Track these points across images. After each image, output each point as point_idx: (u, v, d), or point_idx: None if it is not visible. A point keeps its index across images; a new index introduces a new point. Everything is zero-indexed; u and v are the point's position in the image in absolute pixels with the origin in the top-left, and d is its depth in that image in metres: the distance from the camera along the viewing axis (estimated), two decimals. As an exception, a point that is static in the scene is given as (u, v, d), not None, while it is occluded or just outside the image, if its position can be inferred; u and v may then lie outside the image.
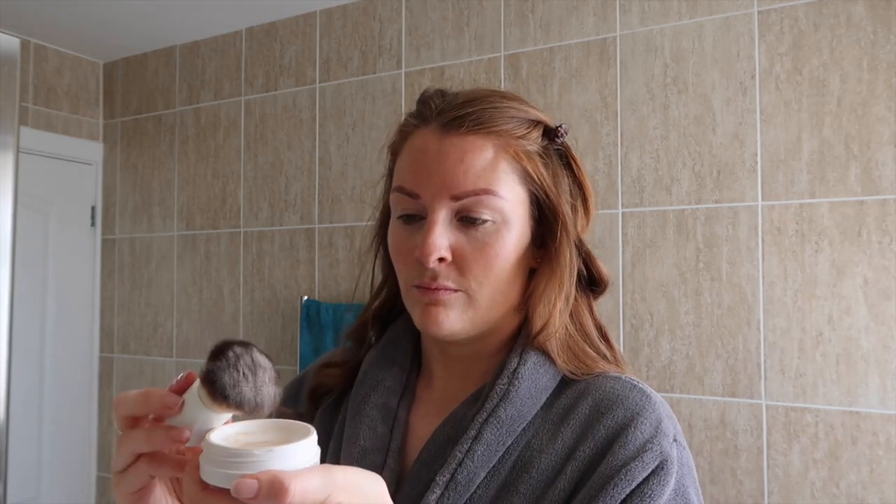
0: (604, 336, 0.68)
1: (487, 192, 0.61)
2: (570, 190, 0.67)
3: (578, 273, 0.67)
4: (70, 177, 2.55)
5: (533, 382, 0.62)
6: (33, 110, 2.42)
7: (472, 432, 0.60)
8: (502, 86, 1.90)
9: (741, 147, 1.61)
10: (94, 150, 2.62)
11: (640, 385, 0.63)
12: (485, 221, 0.62)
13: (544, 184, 0.64)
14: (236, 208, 2.33)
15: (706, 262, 1.63)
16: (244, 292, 2.30)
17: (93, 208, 2.62)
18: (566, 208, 0.65)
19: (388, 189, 0.69)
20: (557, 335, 0.64)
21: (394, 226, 0.66)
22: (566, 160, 0.67)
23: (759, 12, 1.61)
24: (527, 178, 0.64)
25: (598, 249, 1.74)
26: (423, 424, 0.67)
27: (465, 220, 0.62)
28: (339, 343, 0.81)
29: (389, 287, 0.73)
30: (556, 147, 0.67)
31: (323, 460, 0.60)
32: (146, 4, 2.15)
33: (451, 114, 0.63)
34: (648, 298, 1.68)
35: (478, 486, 0.59)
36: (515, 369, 0.62)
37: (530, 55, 1.87)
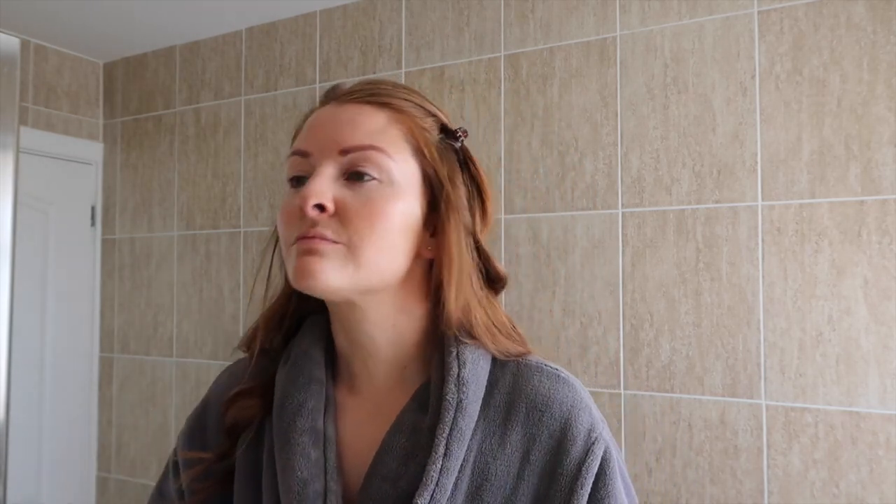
0: (514, 327, 0.70)
1: (375, 147, 0.62)
2: (468, 189, 0.68)
3: (479, 270, 0.67)
4: (70, 177, 2.55)
5: (476, 383, 0.63)
6: (33, 110, 2.42)
7: (441, 449, 0.60)
8: (502, 86, 1.90)
9: (741, 147, 1.61)
10: (94, 150, 2.62)
11: (560, 373, 0.66)
12: (371, 178, 0.62)
13: (437, 166, 0.65)
14: (236, 208, 2.33)
15: (706, 262, 1.63)
16: (244, 292, 2.30)
17: (93, 208, 2.62)
18: (459, 198, 0.65)
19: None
20: (481, 321, 0.65)
21: (285, 194, 0.66)
22: (464, 161, 0.69)
23: (759, 12, 1.61)
24: (420, 154, 0.65)
25: (597, 249, 1.74)
26: (357, 434, 0.66)
27: (353, 177, 0.62)
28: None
29: (286, 289, 0.71)
30: (453, 145, 0.68)
31: (257, 496, 0.63)
32: (146, 4, 2.15)
33: (351, 91, 0.66)
34: (648, 298, 1.68)
35: (448, 500, 0.60)
36: (459, 373, 0.62)
37: (530, 55, 1.87)
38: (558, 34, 1.83)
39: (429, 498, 0.58)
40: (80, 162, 2.58)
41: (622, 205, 1.73)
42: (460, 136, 0.68)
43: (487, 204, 0.69)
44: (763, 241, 1.58)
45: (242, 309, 2.30)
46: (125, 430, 2.54)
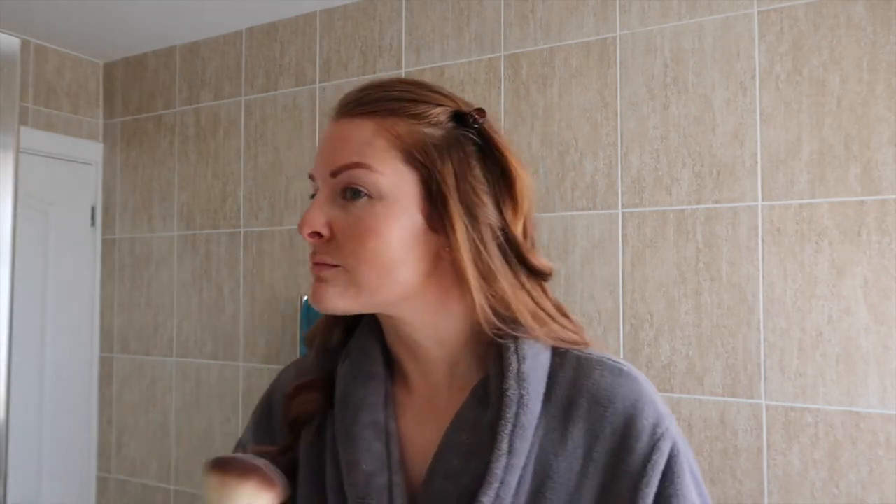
0: (564, 314, 0.68)
1: (358, 164, 0.61)
2: (488, 177, 0.65)
3: (522, 262, 0.65)
4: (70, 177, 2.55)
5: (536, 378, 0.62)
6: (33, 110, 2.42)
7: (504, 446, 0.59)
8: (502, 86, 1.90)
9: (741, 147, 1.61)
10: (94, 150, 2.62)
11: (623, 366, 0.64)
12: (360, 196, 0.62)
13: (431, 167, 0.62)
14: (236, 208, 2.33)
15: (706, 262, 1.63)
16: (244, 292, 2.30)
17: (93, 208, 2.62)
18: (464, 194, 0.62)
19: None
20: (526, 311, 0.63)
21: None
22: (488, 146, 0.66)
23: (759, 12, 1.61)
24: (412, 159, 0.63)
25: (597, 249, 1.74)
26: (415, 430, 0.66)
27: (346, 197, 0.62)
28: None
29: None
30: (468, 132, 0.65)
31: (321, 489, 0.64)
32: (146, 4, 2.15)
33: (347, 102, 0.65)
34: (648, 298, 1.68)
35: (512, 497, 0.59)
36: (519, 369, 0.62)
37: (530, 55, 1.87)
38: (558, 34, 1.83)
39: (494, 496, 0.58)
40: (80, 162, 2.58)
41: (622, 205, 1.73)
42: (473, 119, 0.65)
43: (515, 190, 0.65)
44: (763, 241, 1.58)
45: (242, 309, 2.30)
46: (125, 430, 2.54)
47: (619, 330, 1.70)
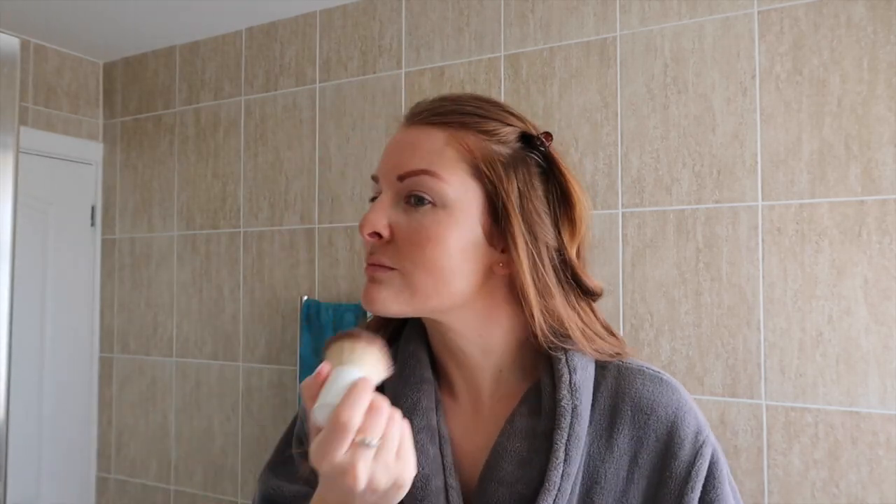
0: (610, 331, 0.71)
1: (427, 172, 0.63)
2: (549, 199, 0.67)
3: (577, 281, 0.67)
4: (70, 177, 2.55)
5: (586, 388, 0.64)
6: (33, 110, 2.42)
7: (561, 454, 0.61)
8: (502, 86, 1.90)
9: (741, 147, 1.61)
10: (94, 150, 2.62)
11: (662, 375, 0.67)
12: (424, 203, 0.63)
13: (497, 183, 0.64)
14: (236, 208, 2.33)
15: (706, 262, 1.63)
16: (244, 292, 2.30)
17: (93, 208, 2.62)
18: (529, 212, 0.64)
19: None
20: (577, 329, 0.65)
21: None
22: (551, 169, 0.68)
23: (759, 12, 1.61)
24: (479, 173, 0.64)
25: (597, 249, 1.74)
26: (463, 437, 0.67)
27: (410, 202, 0.63)
28: None
29: None
30: (534, 154, 0.68)
31: None
32: (146, 4, 2.15)
33: (421, 110, 0.67)
34: (648, 298, 1.68)
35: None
36: (571, 379, 0.63)
37: (530, 55, 1.87)
38: (558, 34, 1.83)
39: (551, 502, 0.60)
40: (80, 162, 2.58)
41: (622, 205, 1.73)
42: (539, 143, 0.68)
43: (575, 214, 0.67)
44: (763, 241, 1.58)
45: (242, 309, 2.30)
46: (125, 431, 2.54)
47: (619, 330, 1.70)
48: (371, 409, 0.51)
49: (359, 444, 0.50)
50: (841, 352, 1.50)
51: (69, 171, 2.54)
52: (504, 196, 0.64)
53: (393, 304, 0.63)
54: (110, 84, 2.65)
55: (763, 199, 1.59)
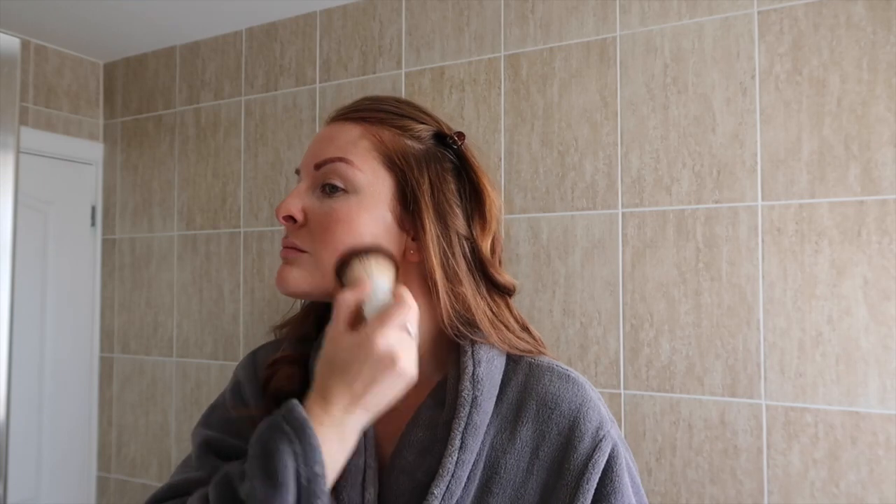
0: (525, 328, 0.73)
1: (341, 159, 0.66)
2: (461, 193, 0.70)
3: (486, 274, 0.70)
4: (70, 177, 2.55)
5: (490, 381, 0.66)
6: (33, 110, 2.42)
7: (457, 442, 0.63)
8: (502, 86, 1.90)
9: (741, 147, 1.61)
10: (94, 150, 2.62)
11: (570, 373, 0.70)
12: (336, 189, 0.66)
13: (408, 172, 0.67)
14: (236, 208, 2.33)
15: (706, 262, 1.63)
16: (244, 292, 2.30)
17: (93, 208, 2.62)
18: (440, 203, 0.67)
19: None
20: (485, 317, 0.68)
21: None
22: (464, 166, 0.71)
23: (758, 12, 1.61)
24: (391, 164, 0.68)
25: (597, 249, 1.74)
26: (380, 422, 0.68)
27: (325, 190, 0.67)
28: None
29: None
30: (447, 152, 0.71)
31: None
32: (146, 5, 2.16)
33: (340, 109, 0.72)
34: (648, 298, 1.68)
35: (462, 491, 0.63)
36: (474, 371, 0.66)
37: (530, 55, 1.87)
38: (558, 34, 1.83)
39: (444, 488, 0.62)
40: (80, 162, 2.58)
41: (622, 205, 1.73)
42: (452, 141, 0.71)
43: (485, 209, 0.70)
44: (763, 241, 1.58)
45: (243, 309, 2.30)
46: (125, 430, 2.54)
47: (619, 330, 1.70)
48: (413, 309, 0.58)
49: (406, 331, 0.57)
50: (841, 352, 1.50)
51: (69, 171, 2.55)
52: (415, 184, 0.67)
53: (303, 284, 0.67)
54: (111, 84, 2.65)
55: (763, 199, 1.59)
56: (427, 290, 0.67)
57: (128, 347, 2.55)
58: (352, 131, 0.68)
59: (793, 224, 1.55)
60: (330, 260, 0.65)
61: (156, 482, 2.45)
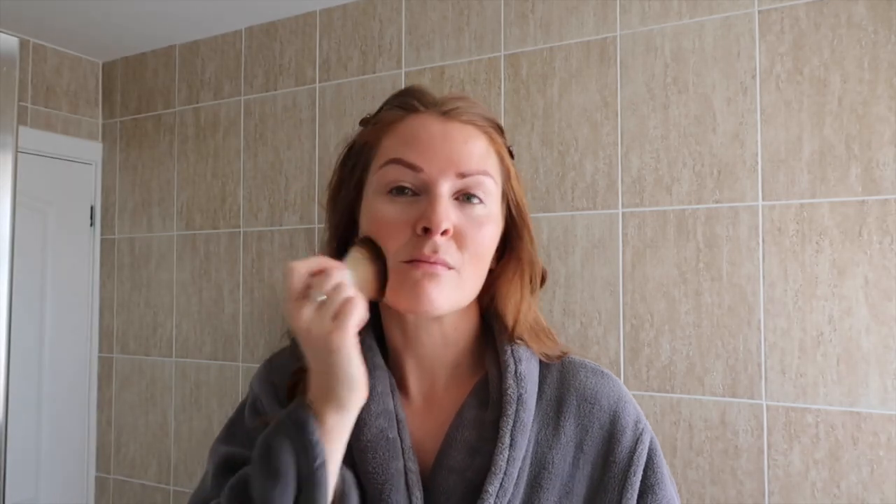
0: (551, 337, 0.74)
1: (488, 174, 0.65)
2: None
3: (540, 282, 0.72)
4: (69, 177, 2.55)
5: (531, 379, 0.67)
6: (32, 110, 2.41)
7: (507, 440, 0.63)
8: (502, 86, 1.90)
9: (741, 147, 1.61)
10: (93, 150, 2.62)
11: (602, 369, 0.72)
12: (480, 202, 0.64)
13: (513, 184, 0.69)
14: (236, 208, 2.33)
15: (706, 262, 1.63)
16: (244, 292, 2.29)
17: (92, 208, 2.62)
18: (526, 217, 0.70)
19: (357, 169, 0.70)
20: (529, 323, 0.69)
21: (380, 200, 0.64)
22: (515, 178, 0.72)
23: (759, 12, 1.60)
24: (505, 177, 0.68)
25: (598, 249, 1.74)
26: (416, 424, 0.69)
27: (462, 199, 0.64)
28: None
29: None
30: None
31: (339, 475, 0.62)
32: (146, 4, 2.15)
33: (448, 104, 0.67)
34: (648, 298, 1.68)
35: (513, 488, 0.63)
36: (517, 369, 0.66)
37: (530, 55, 1.86)
38: (558, 34, 1.83)
39: (498, 486, 0.62)
40: (79, 162, 2.57)
41: (622, 205, 1.73)
42: (511, 155, 0.72)
43: (526, 217, 0.72)
44: (763, 241, 1.58)
45: (242, 309, 2.29)
46: (124, 431, 2.53)
47: (619, 330, 1.70)
48: (322, 272, 0.55)
49: (306, 296, 0.55)
50: (841, 352, 1.49)
51: (68, 171, 2.54)
52: (518, 199, 0.68)
53: (448, 303, 0.63)
54: (110, 84, 2.65)
55: (763, 199, 1.58)
56: (480, 293, 0.69)
57: (127, 347, 2.54)
58: (479, 140, 0.66)
59: (793, 224, 1.55)
60: (470, 279, 0.64)
61: (154, 483, 2.44)
